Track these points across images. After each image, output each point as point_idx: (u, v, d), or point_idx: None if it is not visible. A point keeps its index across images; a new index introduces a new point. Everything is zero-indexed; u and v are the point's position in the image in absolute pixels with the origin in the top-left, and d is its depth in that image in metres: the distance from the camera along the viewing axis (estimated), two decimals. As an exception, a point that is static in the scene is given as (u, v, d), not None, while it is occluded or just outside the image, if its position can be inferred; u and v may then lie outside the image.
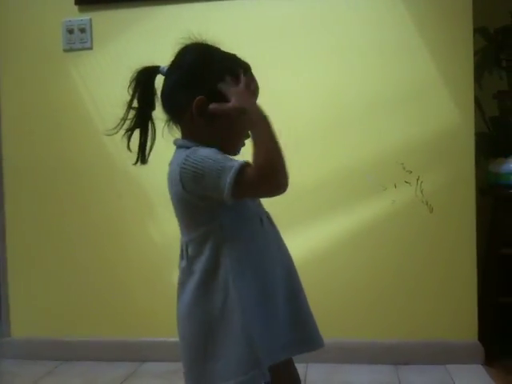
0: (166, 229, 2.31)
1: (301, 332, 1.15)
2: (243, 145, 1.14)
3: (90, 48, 2.35)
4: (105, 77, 2.34)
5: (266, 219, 1.16)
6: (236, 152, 1.13)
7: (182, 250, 1.15)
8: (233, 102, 1.06)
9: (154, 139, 1.22)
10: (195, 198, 1.06)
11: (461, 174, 2.16)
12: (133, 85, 1.20)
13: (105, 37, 2.34)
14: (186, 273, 1.12)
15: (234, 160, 1.02)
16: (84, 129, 2.36)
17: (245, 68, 1.15)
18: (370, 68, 2.21)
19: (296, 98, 2.21)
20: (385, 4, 2.19)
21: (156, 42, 2.29)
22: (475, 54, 2.33)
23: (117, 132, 1.19)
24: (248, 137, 1.10)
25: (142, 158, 1.21)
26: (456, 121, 2.16)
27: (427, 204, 2.17)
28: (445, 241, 2.18)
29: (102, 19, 2.33)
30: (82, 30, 2.34)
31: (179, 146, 1.16)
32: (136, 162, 1.21)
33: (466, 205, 2.16)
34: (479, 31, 2.42)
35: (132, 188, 2.34)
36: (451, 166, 2.17)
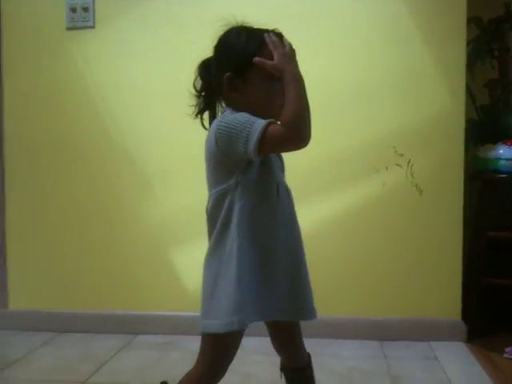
0: (163, 207, 2.37)
1: (297, 302, 1.26)
2: (282, 111, 1.20)
3: (93, 27, 2.39)
4: (106, 55, 2.39)
5: (283, 189, 1.25)
6: (275, 117, 1.18)
7: None
8: (275, 61, 1.16)
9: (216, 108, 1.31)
10: (223, 155, 1.16)
11: (450, 159, 2.23)
12: (197, 78, 1.30)
13: (107, 16, 2.38)
14: (208, 226, 1.25)
15: (262, 120, 1.12)
16: (84, 106, 2.41)
17: (278, 36, 1.22)
18: (367, 55, 2.26)
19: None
20: (380, -8, 2.24)
21: (157, 23, 2.35)
22: (469, 43, 2.39)
23: (196, 117, 1.30)
24: (283, 105, 1.17)
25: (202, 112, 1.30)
26: (447, 107, 2.22)
27: (417, 186, 2.24)
28: (433, 223, 2.25)
29: (104, -2, 2.37)
30: (86, 9, 2.39)
31: (222, 112, 1.26)
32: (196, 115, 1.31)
33: (455, 188, 2.22)
34: (473, 21, 2.47)
35: (131, 167, 2.39)
36: (441, 151, 2.24)
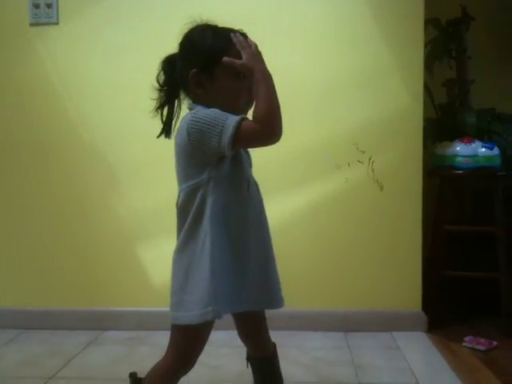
0: (130, 202, 2.38)
1: (267, 292, 1.32)
2: (246, 107, 1.26)
3: (57, 23, 2.38)
4: (71, 52, 2.38)
5: (253, 185, 1.30)
6: (239, 113, 1.22)
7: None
8: (244, 60, 1.20)
9: (178, 116, 1.34)
10: (195, 150, 1.19)
11: (409, 155, 2.30)
12: (160, 73, 1.33)
13: (71, 12, 2.37)
14: (178, 220, 1.28)
15: (234, 116, 1.17)
16: (50, 103, 2.40)
17: (243, 35, 1.26)
18: (327, 54, 2.31)
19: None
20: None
21: (122, 18, 2.36)
22: (428, 43, 2.47)
23: (156, 113, 1.33)
24: (249, 100, 1.23)
25: (168, 131, 1.33)
26: (406, 105, 2.30)
27: (378, 182, 2.31)
28: (393, 217, 2.32)
29: (68, -6, 2.36)
30: (49, 6, 2.37)
31: (189, 109, 1.29)
32: (160, 135, 1.34)
33: (414, 184, 2.30)
34: (432, 22, 2.55)
35: (100, 163, 2.39)
36: (401, 148, 2.31)
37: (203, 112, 1.19)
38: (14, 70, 2.41)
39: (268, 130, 1.16)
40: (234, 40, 1.22)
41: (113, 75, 2.36)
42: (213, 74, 1.23)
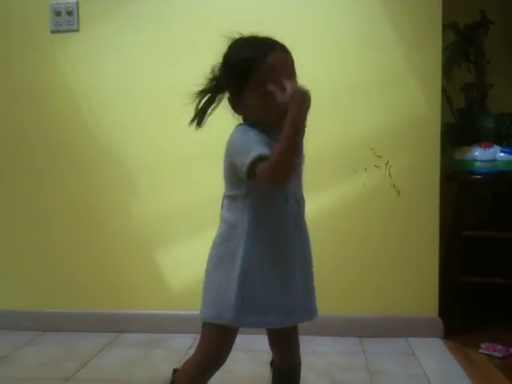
0: (148, 206, 2.40)
1: (307, 301, 1.33)
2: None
3: (77, 30, 2.41)
4: (90, 59, 2.42)
5: (292, 201, 1.28)
6: (279, 120, 1.16)
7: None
8: (292, 111, 1.12)
9: (213, 110, 1.33)
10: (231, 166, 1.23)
11: (427, 160, 2.29)
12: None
13: (91, 19, 2.41)
14: (221, 219, 1.30)
15: (258, 148, 1.14)
16: (68, 109, 2.43)
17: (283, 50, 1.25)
18: (344, 58, 2.31)
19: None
20: (360, -3, 2.30)
21: (141, 25, 2.38)
22: (446, 48, 2.45)
23: (196, 98, 1.32)
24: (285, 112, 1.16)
25: (199, 120, 1.33)
26: (424, 110, 2.28)
27: (395, 187, 2.30)
28: (410, 222, 2.30)
29: (88, 1, 2.40)
30: (70, 13, 2.41)
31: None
32: (191, 122, 1.33)
33: (431, 189, 2.28)
34: (450, 26, 2.54)
35: (116, 166, 2.42)
36: (418, 153, 2.29)
37: (237, 136, 1.21)
38: (34, 76, 2.45)
39: (273, 178, 1.14)
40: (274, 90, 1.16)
41: (130, 80, 2.39)
42: (243, 97, 1.22)
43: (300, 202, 1.31)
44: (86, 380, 1.92)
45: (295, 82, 1.19)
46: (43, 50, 2.44)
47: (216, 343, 1.27)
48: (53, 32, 2.43)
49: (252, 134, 1.19)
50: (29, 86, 2.46)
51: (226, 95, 1.28)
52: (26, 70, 2.46)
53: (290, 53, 1.26)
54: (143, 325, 2.40)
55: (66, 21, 2.42)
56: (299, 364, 1.43)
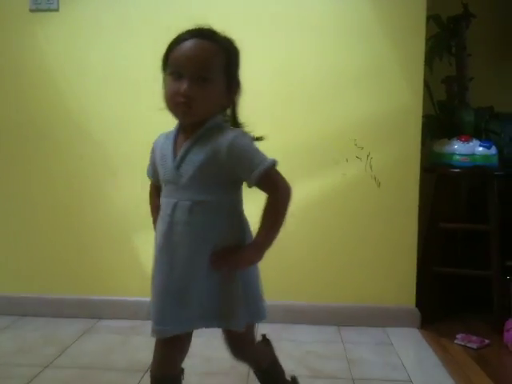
0: (128, 193, 2.38)
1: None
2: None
3: (57, 9, 2.36)
4: (70, 38, 2.37)
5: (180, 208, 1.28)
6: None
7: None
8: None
9: None
10: (225, 170, 1.21)
11: (407, 153, 2.31)
12: None
13: (71, -1, 2.36)
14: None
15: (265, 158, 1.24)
16: (48, 89, 2.39)
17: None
18: (327, 50, 2.31)
19: (253, 74, 2.22)
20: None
21: (122, 6, 2.34)
22: (428, 39, 2.46)
23: None
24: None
25: None
26: (406, 102, 2.30)
27: (375, 179, 2.32)
28: (390, 214, 2.33)
29: (69, -19, 2.35)
30: (50, -8, 2.36)
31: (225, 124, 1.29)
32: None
33: (411, 181, 2.31)
34: (433, 18, 2.55)
35: (95, 149, 2.39)
36: (399, 145, 2.31)
37: (245, 141, 1.22)
38: (13, 56, 2.40)
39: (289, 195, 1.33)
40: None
41: (112, 63, 2.35)
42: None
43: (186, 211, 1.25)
44: (65, 366, 1.92)
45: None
46: (22, 29, 2.39)
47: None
48: (32, 11, 2.37)
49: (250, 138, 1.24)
50: (6, 65, 2.41)
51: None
52: (4, 49, 2.40)
53: (212, 50, 1.24)
54: (122, 311, 2.39)
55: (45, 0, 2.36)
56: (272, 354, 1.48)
